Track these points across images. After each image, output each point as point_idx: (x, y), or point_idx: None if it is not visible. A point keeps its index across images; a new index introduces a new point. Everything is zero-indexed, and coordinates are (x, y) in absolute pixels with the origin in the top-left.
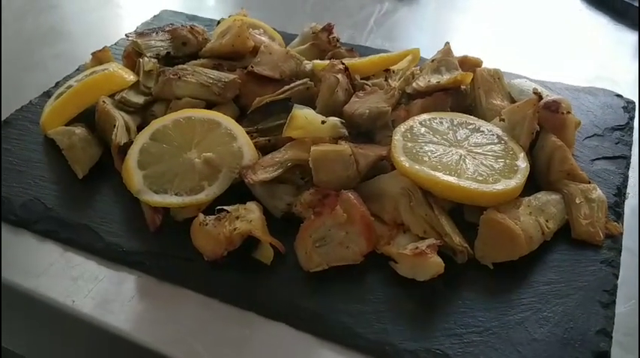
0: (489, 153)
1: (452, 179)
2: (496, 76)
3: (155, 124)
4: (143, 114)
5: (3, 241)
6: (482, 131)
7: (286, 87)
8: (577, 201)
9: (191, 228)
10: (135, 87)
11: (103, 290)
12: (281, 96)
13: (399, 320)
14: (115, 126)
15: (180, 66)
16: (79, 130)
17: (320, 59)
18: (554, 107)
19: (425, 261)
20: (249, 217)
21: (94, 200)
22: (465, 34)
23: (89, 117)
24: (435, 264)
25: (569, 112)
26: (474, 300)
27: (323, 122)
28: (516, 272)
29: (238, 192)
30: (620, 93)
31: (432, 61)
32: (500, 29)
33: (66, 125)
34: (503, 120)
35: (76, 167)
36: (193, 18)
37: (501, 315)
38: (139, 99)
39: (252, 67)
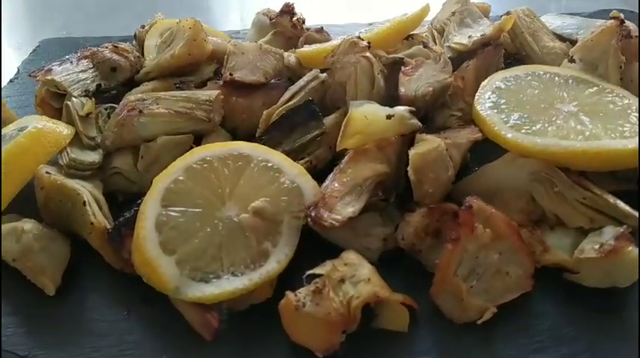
0: (600, 103)
1: (598, 143)
2: (531, 15)
3: (160, 183)
4: (102, 176)
5: None
6: (568, 79)
7: (294, 88)
8: None
9: (284, 319)
10: (75, 142)
11: None
12: (292, 101)
13: (623, 350)
14: (84, 203)
15: (132, 96)
16: (28, 225)
17: (288, 48)
18: (625, 32)
19: (624, 259)
20: (360, 275)
21: (89, 320)
22: None
23: (20, 203)
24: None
25: None
26: None
27: (389, 117)
28: None
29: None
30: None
31: (453, 13)
32: None
33: None
34: (573, 61)
35: (43, 280)
36: (85, 41)
37: None
38: (93, 157)
39: (230, 74)
